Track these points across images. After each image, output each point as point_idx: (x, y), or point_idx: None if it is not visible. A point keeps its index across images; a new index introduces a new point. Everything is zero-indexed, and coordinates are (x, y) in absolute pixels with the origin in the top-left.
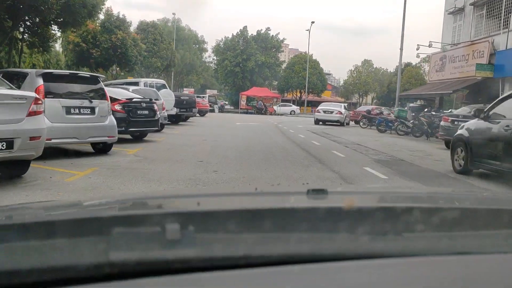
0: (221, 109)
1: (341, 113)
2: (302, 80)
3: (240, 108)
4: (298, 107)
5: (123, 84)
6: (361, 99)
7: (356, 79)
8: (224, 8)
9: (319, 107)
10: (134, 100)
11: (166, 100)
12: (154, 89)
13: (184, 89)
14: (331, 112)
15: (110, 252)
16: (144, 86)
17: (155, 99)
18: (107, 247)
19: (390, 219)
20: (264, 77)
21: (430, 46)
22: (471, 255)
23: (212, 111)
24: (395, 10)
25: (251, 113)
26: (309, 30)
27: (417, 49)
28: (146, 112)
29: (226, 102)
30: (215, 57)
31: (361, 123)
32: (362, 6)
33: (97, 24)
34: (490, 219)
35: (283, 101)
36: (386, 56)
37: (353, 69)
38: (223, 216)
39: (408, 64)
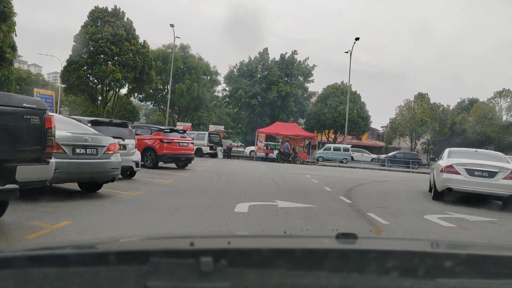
0: (227, 153)
1: None
2: (339, 117)
3: (256, 152)
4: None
5: None
6: (412, 143)
7: (410, 117)
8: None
9: (452, 160)
10: None
11: None
12: None
13: (178, 124)
14: (493, 175)
15: (147, 280)
16: None
17: None
18: (145, 276)
19: (421, 262)
20: (288, 112)
21: None
22: None
23: (214, 155)
24: (411, 54)
25: (272, 159)
26: (350, 52)
27: None
28: None
29: (238, 143)
30: (227, 88)
31: None
32: (378, 51)
33: None
34: None
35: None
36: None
37: (402, 104)
38: (254, 253)
39: (474, 100)
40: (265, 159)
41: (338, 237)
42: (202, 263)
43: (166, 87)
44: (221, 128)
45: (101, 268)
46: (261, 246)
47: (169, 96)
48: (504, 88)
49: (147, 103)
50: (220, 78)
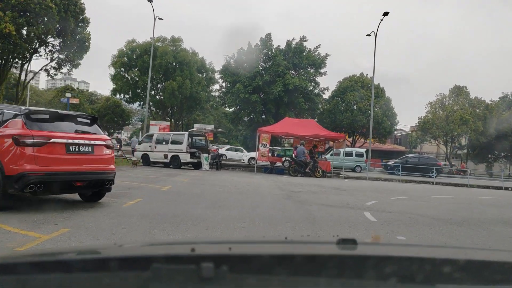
0: (218, 162)
1: None
2: (359, 115)
3: (257, 160)
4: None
5: None
6: (449, 147)
7: (447, 115)
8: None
9: None
10: None
11: None
12: None
13: (152, 122)
14: None
15: (149, 286)
16: None
17: None
18: (147, 282)
19: (420, 268)
20: (297, 110)
21: None
22: None
23: (197, 166)
24: (410, 61)
25: (280, 171)
26: (375, 34)
27: None
28: None
29: (238, 148)
30: (223, 84)
31: None
32: (378, 58)
33: None
34: None
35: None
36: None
37: (434, 100)
38: (255, 259)
39: None
40: (270, 170)
41: (339, 243)
42: (203, 269)
43: (158, 85)
44: (209, 128)
45: (102, 274)
46: (261, 252)
47: (148, 90)
48: None
49: (135, 104)
50: (217, 76)
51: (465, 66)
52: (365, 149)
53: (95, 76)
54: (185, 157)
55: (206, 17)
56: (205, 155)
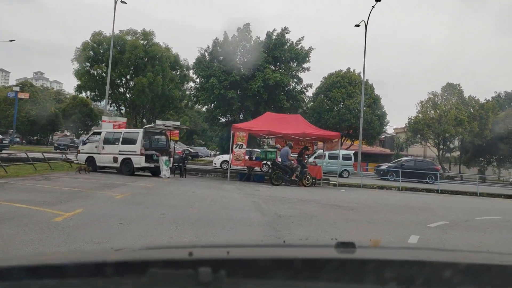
0: (182, 168)
1: None
2: (346, 114)
3: (231, 164)
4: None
5: None
6: (440, 150)
7: (440, 115)
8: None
9: None
10: None
11: None
12: None
13: (104, 118)
14: None
15: None
16: None
17: None
18: (145, 286)
19: (419, 272)
20: (278, 108)
21: None
22: None
23: (155, 172)
24: (398, 62)
25: (259, 178)
26: (366, 22)
27: None
28: None
29: (216, 152)
30: (197, 80)
31: None
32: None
33: None
34: None
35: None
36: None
37: (425, 99)
38: (253, 263)
39: None
40: (248, 177)
41: (337, 246)
42: (200, 274)
43: (130, 82)
44: (170, 124)
45: (99, 279)
46: (260, 256)
47: (108, 84)
48: None
49: (103, 103)
50: (192, 73)
51: (461, 67)
52: (352, 152)
53: (70, 76)
54: (139, 161)
55: (190, 18)
56: (165, 158)
